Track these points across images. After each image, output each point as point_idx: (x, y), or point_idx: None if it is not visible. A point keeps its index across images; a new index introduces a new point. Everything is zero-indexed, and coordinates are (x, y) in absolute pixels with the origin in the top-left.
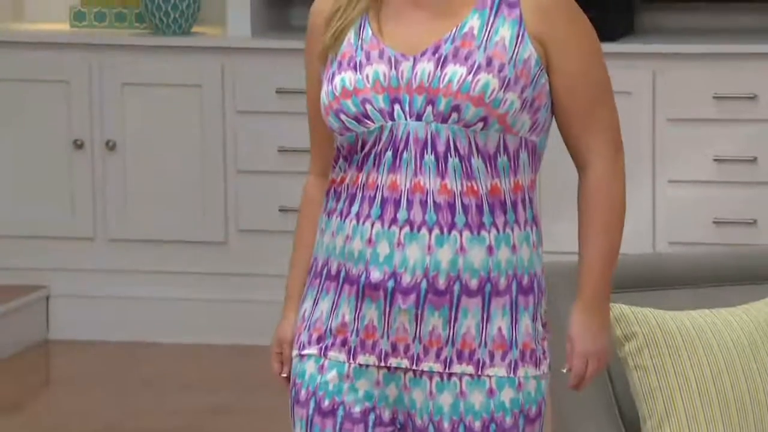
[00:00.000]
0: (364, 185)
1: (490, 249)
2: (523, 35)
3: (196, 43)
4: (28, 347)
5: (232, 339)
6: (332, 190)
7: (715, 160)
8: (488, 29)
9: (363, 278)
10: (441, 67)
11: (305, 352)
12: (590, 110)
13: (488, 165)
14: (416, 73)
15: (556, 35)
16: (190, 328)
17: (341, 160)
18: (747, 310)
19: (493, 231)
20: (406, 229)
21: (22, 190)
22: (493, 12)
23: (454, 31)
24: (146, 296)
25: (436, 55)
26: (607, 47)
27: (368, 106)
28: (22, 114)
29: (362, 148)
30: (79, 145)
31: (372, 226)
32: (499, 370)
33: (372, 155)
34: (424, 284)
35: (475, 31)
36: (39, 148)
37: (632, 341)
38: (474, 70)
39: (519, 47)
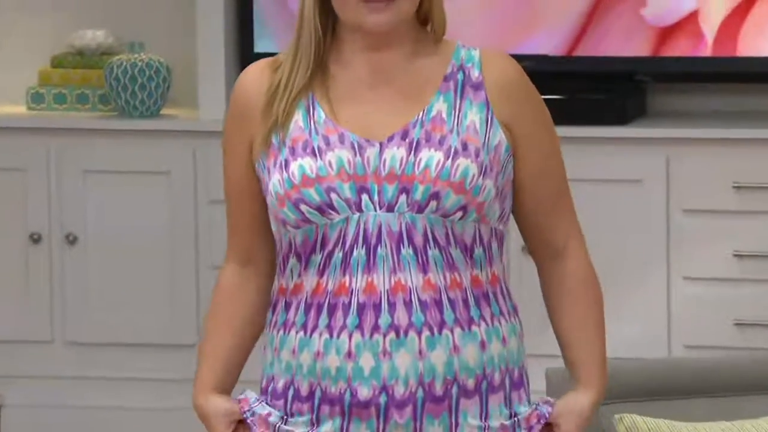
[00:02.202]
0: (331, 292)
1: (482, 344)
2: (492, 120)
3: (165, 126)
4: None
5: None
6: (284, 299)
7: (736, 255)
8: (457, 113)
9: (348, 397)
10: (414, 152)
11: None
12: (559, 197)
13: (466, 256)
14: (385, 160)
15: (524, 120)
16: None
17: (292, 260)
18: None
19: (483, 324)
20: (391, 335)
21: None
22: (458, 95)
23: (420, 114)
24: (110, 405)
25: (407, 140)
26: (617, 131)
27: (333, 196)
28: None
29: (323, 245)
30: (35, 239)
31: (350, 337)
32: None
33: (337, 256)
34: (420, 393)
35: (444, 115)
36: None
37: None
38: (452, 155)
39: (489, 132)
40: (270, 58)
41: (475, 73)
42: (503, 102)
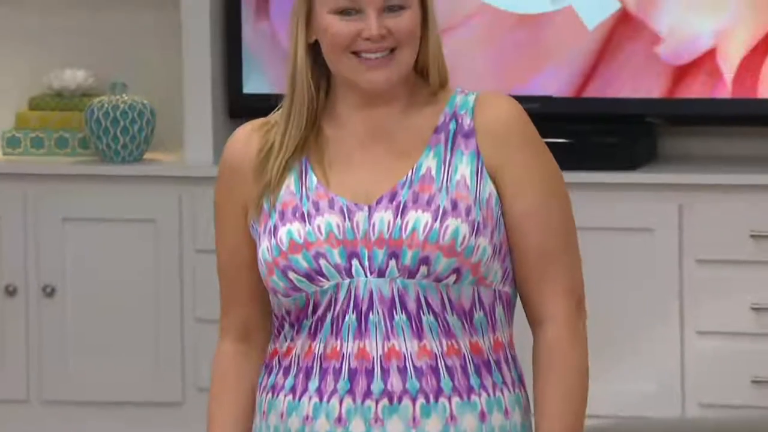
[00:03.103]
0: (322, 356)
1: (482, 415)
2: (481, 170)
3: (148, 171)
4: None
5: None
6: (275, 362)
7: (753, 308)
8: (447, 168)
9: None
10: (401, 215)
11: None
12: (549, 258)
13: (465, 322)
14: (373, 224)
15: (511, 166)
16: None
17: (287, 327)
18: None
19: (484, 394)
20: (384, 401)
21: None
22: (449, 147)
23: (409, 174)
24: None
25: (394, 203)
26: (626, 177)
27: (322, 262)
28: None
29: (314, 311)
30: (11, 291)
31: (341, 402)
32: None
33: (328, 319)
34: None
35: (433, 172)
36: None
37: None
38: (440, 215)
39: (480, 185)
40: (257, 121)
41: (467, 120)
42: (492, 146)
